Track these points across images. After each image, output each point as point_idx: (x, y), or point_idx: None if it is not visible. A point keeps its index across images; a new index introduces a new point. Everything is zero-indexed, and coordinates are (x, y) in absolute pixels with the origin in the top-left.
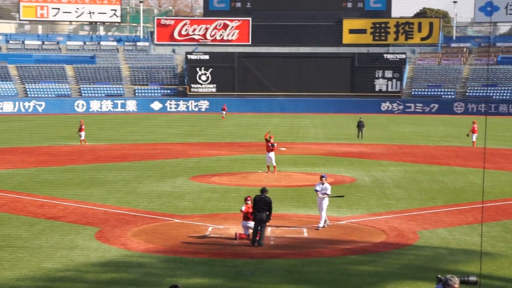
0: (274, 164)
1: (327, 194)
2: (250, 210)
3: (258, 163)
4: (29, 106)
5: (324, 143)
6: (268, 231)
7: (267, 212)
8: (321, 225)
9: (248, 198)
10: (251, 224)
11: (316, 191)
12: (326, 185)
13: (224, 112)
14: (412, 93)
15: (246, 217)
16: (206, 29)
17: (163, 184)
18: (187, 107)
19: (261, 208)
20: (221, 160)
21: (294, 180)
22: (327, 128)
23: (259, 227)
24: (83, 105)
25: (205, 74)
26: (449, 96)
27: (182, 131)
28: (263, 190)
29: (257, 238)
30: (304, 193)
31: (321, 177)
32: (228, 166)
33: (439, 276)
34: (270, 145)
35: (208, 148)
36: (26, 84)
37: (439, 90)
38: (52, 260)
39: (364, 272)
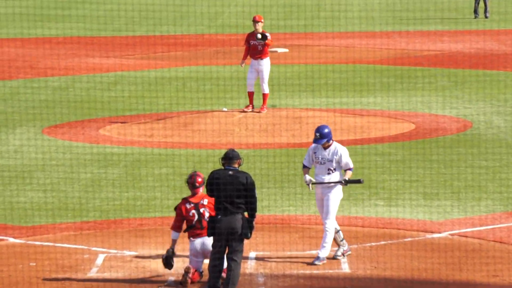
0: (265, 91)
1: (339, 181)
2: (209, 210)
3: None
4: None
5: (383, 32)
6: (251, 258)
7: (245, 213)
8: (322, 254)
9: (198, 179)
10: (208, 244)
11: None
12: (336, 150)
13: None
14: None
15: (194, 227)
16: None
17: None
18: None
19: (227, 202)
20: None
21: (305, 127)
22: None
23: (227, 249)
24: None
25: None
26: None
27: None
28: (230, 158)
29: (219, 277)
30: None
31: (319, 134)
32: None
33: None
34: (256, 41)
35: None
36: None
37: None
38: None
39: None
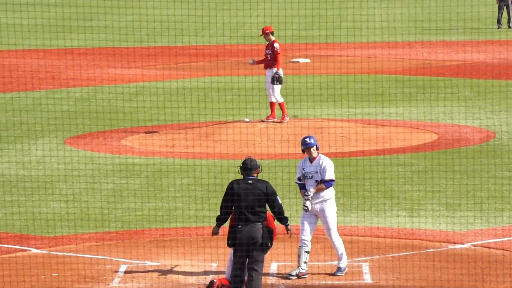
0: (280, 100)
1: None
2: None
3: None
4: None
5: (405, 42)
6: (272, 269)
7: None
8: (342, 265)
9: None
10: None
11: (301, 186)
12: (321, 162)
13: None
14: None
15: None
16: None
17: None
18: None
19: (248, 212)
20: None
21: (327, 138)
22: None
23: (247, 260)
24: None
25: None
26: None
27: None
28: (248, 168)
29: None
30: (352, 170)
31: (305, 144)
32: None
33: None
34: (266, 51)
35: None
36: None
37: None
38: None
39: None
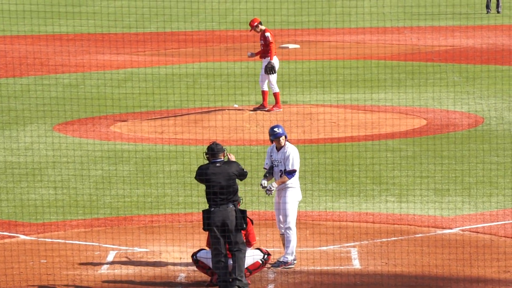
0: (276, 90)
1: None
2: None
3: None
4: None
5: (394, 28)
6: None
7: (236, 203)
8: (288, 258)
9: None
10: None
11: (268, 172)
12: (285, 151)
13: None
14: None
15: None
16: None
17: None
18: None
19: (219, 193)
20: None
21: (316, 124)
22: None
23: (224, 244)
24: None
25: None
26: None
27: None
28: (215, 152)
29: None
30: (340, 156)
31: (274, 135)
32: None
33: None
34: (263, 41)
35: None
36: None
37: None
38: None
39: None
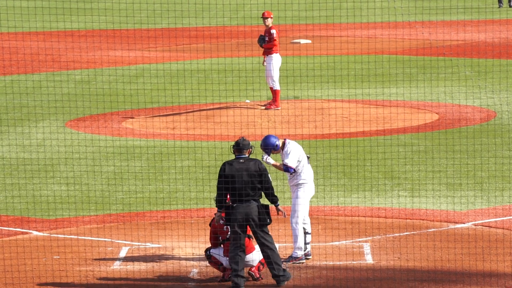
0: (277, 87)
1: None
2: None
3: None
4: None
5: (405, 22)
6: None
7: (260, 199)
8: (298, 253)
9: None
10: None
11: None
12: (286, 149)
13: None
14: None
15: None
16: None
17: None
18: None
19: (242, 190)
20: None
21: (327, 119)
22: None
23: (243, 238)
24: None
25: None
26: None
27: None
28: (240, 147)
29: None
30: (352, 151)
31: (265, 151)
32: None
33: None
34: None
35: None
36: None
37: None
38: None
39: None
